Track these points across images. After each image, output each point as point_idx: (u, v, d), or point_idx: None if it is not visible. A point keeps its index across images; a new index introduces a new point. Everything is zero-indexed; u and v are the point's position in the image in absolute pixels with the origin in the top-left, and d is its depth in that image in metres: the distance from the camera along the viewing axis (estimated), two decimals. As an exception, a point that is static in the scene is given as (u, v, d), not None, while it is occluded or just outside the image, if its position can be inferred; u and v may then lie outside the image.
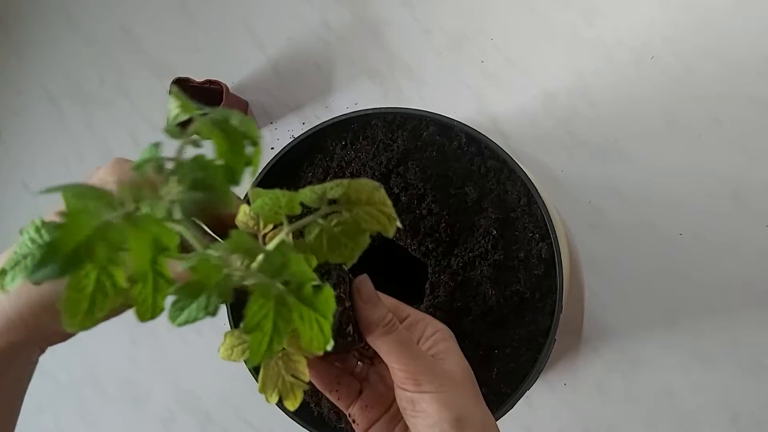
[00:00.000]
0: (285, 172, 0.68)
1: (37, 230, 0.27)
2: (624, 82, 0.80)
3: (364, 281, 0.43)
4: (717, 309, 0.77)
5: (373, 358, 0.49)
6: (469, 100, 0.82)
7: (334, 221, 0.34)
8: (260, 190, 0.35)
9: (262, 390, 0.37)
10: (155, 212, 0.25)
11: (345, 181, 0.35)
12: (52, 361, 0.88)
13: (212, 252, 0.27)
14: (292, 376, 0.37)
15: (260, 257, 0.28)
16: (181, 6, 0.88)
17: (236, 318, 0.66)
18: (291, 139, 0.84)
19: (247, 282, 0.28)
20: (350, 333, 0.41)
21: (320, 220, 0.34)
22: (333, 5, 0.85)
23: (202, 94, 0.80)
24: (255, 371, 0.66)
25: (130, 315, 0.89)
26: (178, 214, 0.25)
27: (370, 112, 0.65)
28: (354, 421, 0.47)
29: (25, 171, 0.89)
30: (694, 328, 0.78)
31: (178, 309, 0.27)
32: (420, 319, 0.46)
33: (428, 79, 0.83)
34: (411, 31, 0.84)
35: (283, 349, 0.37)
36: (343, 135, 0.67)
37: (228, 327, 0.68)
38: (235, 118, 0.28)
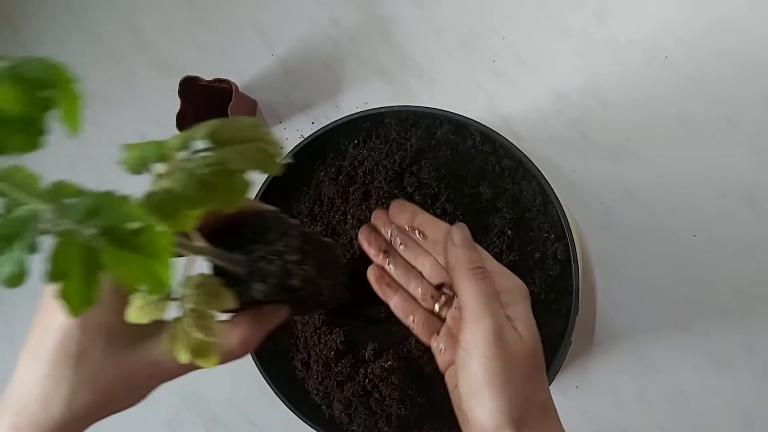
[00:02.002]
0: (296, 171, 0.67)
1: None
2: (636, 81, 0.79)
3: (460, 228, 0.48)
4: (730, 311, 0.76)
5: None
6: (480, 99, 0.81)
7: (202, 163, 0.31)
8: (131, 143, 0.32)
9: (169, 349, 0.35)
10: None
11: (216, 120, 0.32)
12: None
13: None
14: (204, 334, 0.35)
15: (70, 201, 0.27)
16: (190, 5, 0.87)
17: (257, 350, 0.65)
18: (300, 139, 0.84)
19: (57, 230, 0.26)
20: (299, 287, 0.40)
21: (185, 165, 0.31)
22: (342, 4, 0.85)
23: (212, 93, 0.80)
24: (265, 373, 0.65)
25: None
26: None
27: (383, 110, 0.65)
28: (441, 351, 0.49)
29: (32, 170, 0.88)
30: (707, 330, 0.77)
31: None
32: (496, 271, 0.48)
33: (439, 79, 0.83)
34: (421, 30, 0.83)
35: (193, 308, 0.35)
36: (355, 134, 0.66)
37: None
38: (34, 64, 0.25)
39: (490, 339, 0.43)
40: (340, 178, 0.65)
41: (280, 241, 0.40)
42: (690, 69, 0.78)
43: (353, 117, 0.65)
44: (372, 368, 0.60)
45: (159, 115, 0.87)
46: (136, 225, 0.26)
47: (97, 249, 0.26)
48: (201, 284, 0.36)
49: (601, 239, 0.79)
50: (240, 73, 0.85)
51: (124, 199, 0.27)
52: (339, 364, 0.61)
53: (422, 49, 0.83)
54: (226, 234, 0.42)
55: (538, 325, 0.61)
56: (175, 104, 0.77)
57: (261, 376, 0.66)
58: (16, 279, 0.26)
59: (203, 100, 0.80)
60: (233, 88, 0.78)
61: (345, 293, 0.49)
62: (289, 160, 0.35)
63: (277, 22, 0.86)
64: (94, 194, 0.27)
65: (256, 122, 0.33)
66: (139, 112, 0.87)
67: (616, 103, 0.79)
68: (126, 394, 0.42)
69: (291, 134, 0.84)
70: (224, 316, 0.42)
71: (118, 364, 0.40)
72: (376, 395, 0.61)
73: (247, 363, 0.71)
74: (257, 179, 0.84)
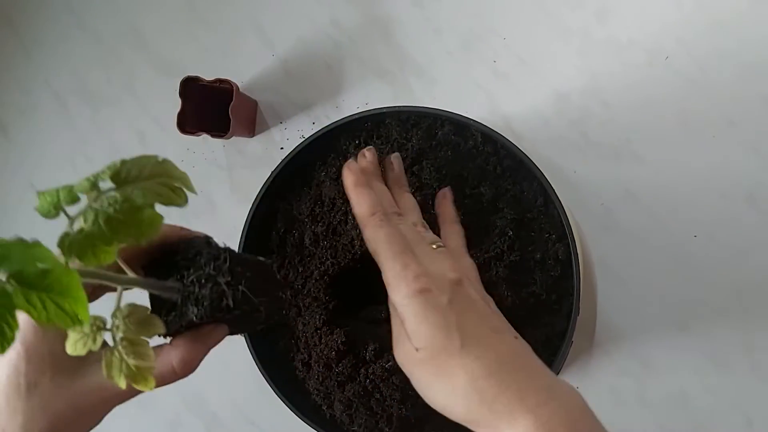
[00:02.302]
0: (297, 172, 0.67)
1: None
2: (637, 82, 0.79)
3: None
4: (731, 312, 0.76)
5: None
6: (480, 100, 0.81)
7: (106, 203, 0.33)
8: (44, 191, 0.34)
9: (109, 376, 0.37)
10: None
11: (118, 161, 0.34)
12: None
13: None
14: (137, 360, 0.37)
15: None
16: (190, 4, 0.87)
17: (258, 351, 0.66)
18: (301, 139, 0.84)
19: None
20: (233, 307, 0.41)
21: (94, 205, 0.33)
22: (343, 5, 0.85)
23: (212, 93, 0.80)
24: (266, 373, 0.65)
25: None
26: None
27: (384, 110, 0.65)
28: None
29: (31, 169, 0.88)
30: (707, 331, 0.77)
31: None
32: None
33: (439, 79, 0.83)
34: (422, 31, 0.83)
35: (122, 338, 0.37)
36: (356, 134, 0.66)
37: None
38: None
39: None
40: (341, 179, 0.65)
41: (209, 264, 0.42)
42: (691, 70, 0.78)
43: (354, 117, 0.65)
44: (373, 368, 0.60)
45: (159, 116, 0.87)
46: (44, 266, 0.29)
47: (8, 292, 0.28)
48: (130, 313, 0.37)
49: (602, 240, 0.79)
50: (240, 74, 0.85)
51: (34, 244, 0.29)
52: (340, 365, 0.61)
53: (423, 49, 0.83)
54: (160, 263, 0.44)
55: (540, 325, 0.62)
56: (176, 104, 0.77)
57: (261, 376, 0.66)
58: None
59: (204, 100, 0.80)
60: (234, 88, 0.78)
61: (283, 308, 0.51)
62: (195, 193, 0.37)
63: (277, 23, 0.86)
64: (4, 242, 0.29)
65: (162, 159, 0.35)
66: (139, 113, 0.87)
67: (617, 103, 0.79)
68: (77, 420, 0.43)
69: (291, 134, 0.84)
70: (166, 340, 0.44)
71: (67, 392, 0.41)
72: (377, 396, 0.61)
73: (248, 363, 0.71)
74: (257, 180, 0.84)
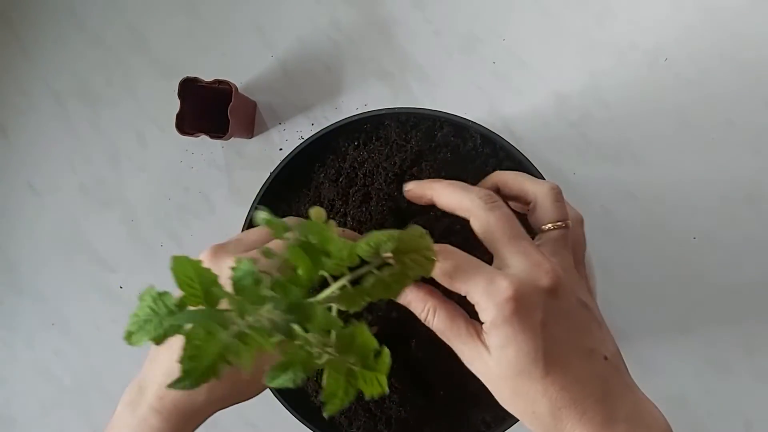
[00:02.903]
0: (295, 173, 0.67)
1: (154, 300, 0.36)
2: (637, 83, 0.79)
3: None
4: (731, 314, 0.76)
5: None
6: (480, 101, 0.81)
7: (387, 272, 0.39)
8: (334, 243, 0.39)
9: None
10: (259, 333, 0.33)
11: (396, 234, 0.38)
12: (57, 363, 0.87)
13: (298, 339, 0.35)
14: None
15: (333, 335, 0.36)
16: (189, 6, 0.87)
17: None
18: (300, 140, 0.84)
19: (322, 360, 0.35)
20: None
21: (375, 271, 0.39)
22: (343, 6, 0.85)
23: (211, 93, 0.80)
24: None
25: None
26: (276, 331, 0.34)
27: (384, 112, 0.64)
28: None
29: (30, 171, 0.88)
30: (707, 333, 0.77)
31: (272, 376, 0.35)
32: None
33: (439, 81, 0.82)
34: (422, 32, 0.83)
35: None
36: (355, 135, 0.66)
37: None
38: (313, 235, 0.37)
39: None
40: (341, 179, 0.65)
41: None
42: (690, 71, 0.78)
43: (353, 119, 0.65)
44: (372, 371, 0.60)
45: (158, 117, 0.86)
46: (376, 349, 0.36)
47: (356, 372, 0.36)
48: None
49: (602, 241, 0.78)
50: (239, 74, 0.85)
51: (363, 330, 0.37)
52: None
53: (422, 50, 0.83)
54: None
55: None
56: (175, 105, 0.77)
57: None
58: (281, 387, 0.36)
59: (203, 101, 0.80)
60: (233, 89, 0.78)
61: None
62: (435, 260, 0.41)
63: (276, 23, 0.86)
64: (348, 331, 0.36)
65: (422, 232, 0.40)
66: (138, 114, 0.87)
67: (617, 105, 0.79)
68: (253, 385, 0.49)
69: (290, 135, 0.84)
70: None
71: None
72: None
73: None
74: (256, 181, 0.84)
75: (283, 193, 0.68)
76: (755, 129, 0.77)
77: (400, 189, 0.62)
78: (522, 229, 0.42)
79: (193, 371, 0.32)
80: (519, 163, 0.62)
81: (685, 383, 0.77)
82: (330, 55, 0.85)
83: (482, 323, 0.40)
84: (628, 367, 0.72)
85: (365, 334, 0.37)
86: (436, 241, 0.44)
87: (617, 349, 0.44)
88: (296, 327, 0.34)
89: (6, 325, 0.88)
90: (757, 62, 0.77)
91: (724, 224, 0.77)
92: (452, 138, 0.64)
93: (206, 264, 0.44)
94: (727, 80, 0.77)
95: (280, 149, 0.84)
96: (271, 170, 0.66)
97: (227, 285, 0.41)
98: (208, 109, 0.80)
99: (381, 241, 0.38)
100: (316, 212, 0.44)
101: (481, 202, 0.43)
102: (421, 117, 0.65)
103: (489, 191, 0.43)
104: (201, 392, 0.46)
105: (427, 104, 0.82)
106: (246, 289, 0.35)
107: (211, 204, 0.85)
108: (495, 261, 0.41)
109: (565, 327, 0.40)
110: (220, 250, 0.49)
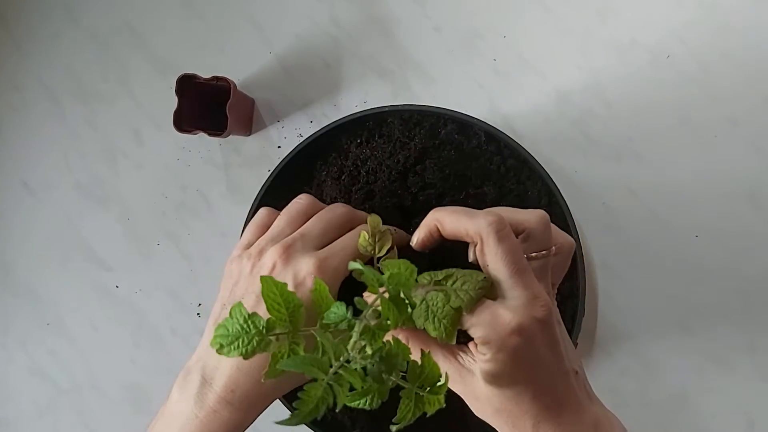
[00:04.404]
0: (297, 170, 0.66)
1: (245, 320, 0.41)
2: (639, 81, 0.78)
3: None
4: (733, 312, 0.76)
5: None
6: (481, 98, 0.81)
7: (438, 301, 0.44)
8: (390, 261, 0.43)
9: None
10: (352, 375, 0.38)
11: (453, 271, 0.44)
12: (52, 364, 0.86)
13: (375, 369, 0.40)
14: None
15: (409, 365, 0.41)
16: (187, 1, 0.86)
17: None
18: (299, 138, 0.83)
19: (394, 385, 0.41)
20: None
21: (426, 298, 0.43)
22: (342, 2, 0.84)
23: (209, 90, 0.79)
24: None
25: (130, 316, 0.86)
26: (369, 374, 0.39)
27: (387, 109, 0.64)
28: None
29: (24, 169, 0.87)
30: (709, 331, 0.77)
31: (352, 399, 0.39)
32: None
33: (439, 78, 0.82)
34: (422, 29, 0.82)
35: None
36: (358, 133, 0.65)
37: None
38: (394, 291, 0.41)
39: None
40: (343, 177, 0.64)
41: None
42: (693, 69, 0.78)
43: (356, 116, 0.64)
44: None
45: (155, 114, 0.85)
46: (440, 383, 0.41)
47: (423, 398, 0.41)
48: None
49: (603, 240, 0.78)
50: (238, 71, 0.84)
51: (431, 362, 0.41)
52: (341, 366, 0.60)
53: (422, 47, 0.82)
54: None
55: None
56: (172, 102, 0.76)
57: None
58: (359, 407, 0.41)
59: (200, 98, 0.79)
60: (231, 86, 0.77)
61: None
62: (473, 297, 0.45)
63: (275, 20, 0.85)
64: (419, 364, 0.41)
65: (483, 279, 0.44)
66: (135, 111, 0.86)
67: (619, 103, 0.78)
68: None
69: (289, 133, 0.83)
70: None
71: None
72: (380, 398, 0.60)
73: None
74: (254, 179, 0.83)
75: (284, 191, 0.67)
76: (757, 127, 0.76)
77: (404, 187, 0.62)
78: (525, 261, 0.45)
79: (302, 413, 0.38)
80: (524, 160, 0.62)
81: (686, 381, 0.77)
82: (329, 52, 0.84)
83: (478, 351, 0.43)
84: (630, 365, 0.72)
85: (432, 365, 0.41)
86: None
87: (580, 360, 0.49)
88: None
89: None
90: (760, 60, 0.77)
91: (726, 222, 0.76)
92: (456, 135, 0.64)
93: (281, 270, 0.50)
94: (730, 78, 0.77)
95: (279, 147, 0.83)
96: (270, 168, 0.66)
97: (309, 280, 0.49)
98: (205, 106, 0.79)
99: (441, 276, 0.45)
100: (373, 220, 0.49)
101: (492, 230, 0.44)
102: (424, 114, 0.64)
103: (499, 217, 0.45)
104: (270, 383, 0.49)
105: (427, 101, 0.81)
106: (340, 332, 0.41)
107: (208, 202, 0.84)
108: (494, 287, 0.44)
109: (551, 353, 0.43)
110: (290, 249, 0.51)
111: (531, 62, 0.80)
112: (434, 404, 0.42)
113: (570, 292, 0.60)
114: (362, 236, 0.50)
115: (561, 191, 0.64)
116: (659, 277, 0.77)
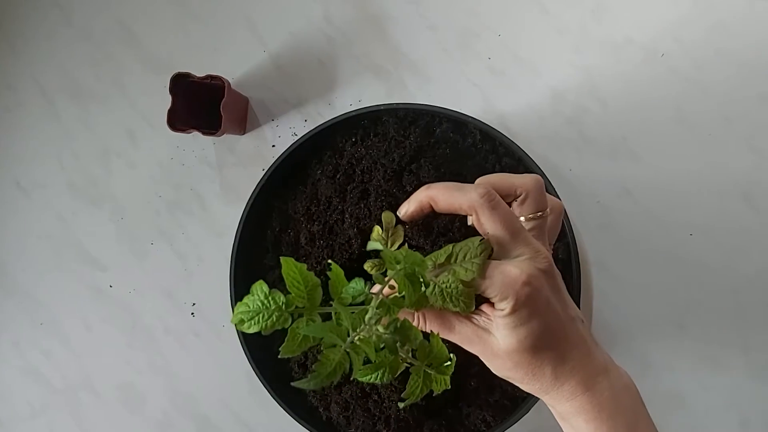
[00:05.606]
0: (292, 169, 0.66)
1: (266, 296, 0.43)
2: (633, 79, 0.78)
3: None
4: (727, 311, 0.76)
5: None
6: (475, 97, 0.81)
7: (450, 281, 0.45)
8: (403, 249, 0.46)
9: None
10: (367, 345, 0.41)
11: (450, 247, 0.46)
12: (46, 364, 0.85)
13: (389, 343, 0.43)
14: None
15: (418, 341, 0.44)
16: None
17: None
18: (293, 137, 0.83)
19: (406, 364, 0.45)
20: None
21: (437, 281, 0.45)
22: (336, 0, 0.84)
23: (203, 89, 0.78)
24: (261, 374, 0.64)
25: (124, 316, 0.86)
26: (384, 342, 0.43)
27: (381, 107, 0.64)
28: None
29: (17, 169, 0.86)
30: (704, 330, 0.77)
31: (364, 373, 0.43)
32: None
33: (434, 76, 0.82)
34: (416, 27, 0.82)
35: None
36: (353, 131, 0.65)
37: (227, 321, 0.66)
38: (410, 269, 0.44)
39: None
40: (338, 176, 0.64)
41: None
42: (688, 67, 0.78)
43: (351, 114, 0.64)
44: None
45: (149, 113, 0.85)
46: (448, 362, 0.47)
47: (431, 376, 0.46)
48: None
49: (598, 238, 0.78)
50: (232, 70, 0.84)
51: (438, 343, 0.46)
52: (337, 366, 0.60)
53: (417, 46, 0.82)
54: None
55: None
56: (166, 101, 0.76)
57: (254, 377, 0.65)
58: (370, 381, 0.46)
59: (194, 96, 0.78)
60: (225, 84, 0.76)
61: None
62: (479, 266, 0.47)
63: (269, 18, 0.84)
64: (428, 343, 0.46)
65: (480, 242, 0.46)
66: (128, 109, 0.85)
67: (613, 101, 0.78)
68: None
69: (283, 132, 0.83)
70: None
71: None
72: (375, 397, 0.60)
73: (241, 364, 0.69)
74: (248, 178, 0.83)
75: (279, 189, 0.67)
76: (751, 125, 0.77)
77: (399, 186, 0.61)
78: (520, 222, 0.49)
79: (320, 374, 0.40)
80: (519, 159, 0.62)
81: (681, 380, 0.77)
82: (323, 50, 0.84)
83: (496, 308, 0.46)
84: (624, 362, 0.73)
85: (440, 346, 0.45)
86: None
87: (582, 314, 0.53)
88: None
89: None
90: (754, 58, 0.77)
91: (720, 220, 0.77)
92: (451, 134, 0.63)
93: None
94: (725, 77, 0.77)
95: (273, 146, 0.83)
96: (264, 167, 0.65)
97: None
98: (199, 105, 0.79)
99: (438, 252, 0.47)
100: (387, 216, 0.52)
101: (484, 201, 0.47)
102: (419, 113, 0.64)
103: (488, 189, 0.48)
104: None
105: (422, 100, 0.81)
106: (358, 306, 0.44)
107: (202, 201, 0.84)
108: (497, 250, 0.47)
109: (557, 299, 0.47)
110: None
111: (526, 61, 0.80)
112: (441, 383, 0.45)
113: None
114: (376, 230, 0.52)
115: (556, 189, 0.64)
116: (654, 275, 0.77)
